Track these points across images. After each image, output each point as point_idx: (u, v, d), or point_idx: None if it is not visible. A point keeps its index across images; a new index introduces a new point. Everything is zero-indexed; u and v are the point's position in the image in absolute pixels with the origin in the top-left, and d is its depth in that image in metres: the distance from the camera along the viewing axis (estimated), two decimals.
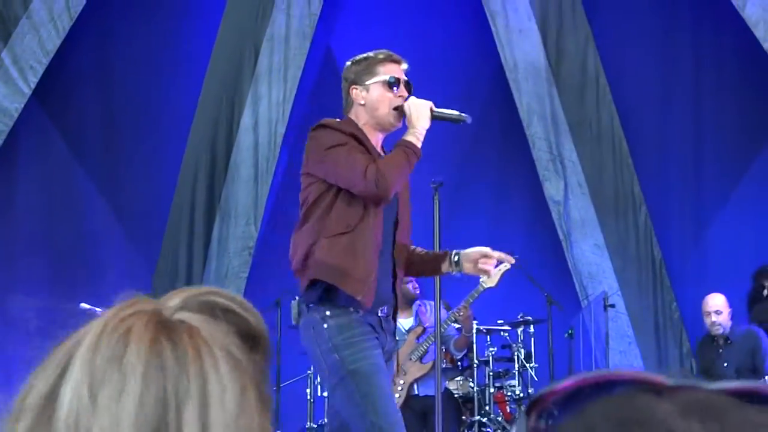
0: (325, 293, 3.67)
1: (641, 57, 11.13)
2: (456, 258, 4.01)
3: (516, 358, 8.68)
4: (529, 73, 10.79)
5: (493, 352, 8.55)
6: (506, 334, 8.71)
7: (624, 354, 10.10)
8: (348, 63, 3.99)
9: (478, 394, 8.29)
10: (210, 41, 10.47)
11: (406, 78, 3.94)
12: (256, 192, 10.45)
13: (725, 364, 7.68)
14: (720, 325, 7.92)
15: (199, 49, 10.59)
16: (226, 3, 10.44)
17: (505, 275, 9.63)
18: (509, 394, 8.63)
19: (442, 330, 7.60)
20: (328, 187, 3.71)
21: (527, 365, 8.67)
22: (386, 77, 3.85)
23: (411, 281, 8.07)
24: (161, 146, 10.72)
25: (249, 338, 0.98)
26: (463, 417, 8.23)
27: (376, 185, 3.61)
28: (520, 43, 10.83)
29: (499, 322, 8.75)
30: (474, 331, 8.21)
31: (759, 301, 8.62)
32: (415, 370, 7.70)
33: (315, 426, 8.54)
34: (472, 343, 8.31)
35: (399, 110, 3.87)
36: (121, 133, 10.78)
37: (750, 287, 8.92)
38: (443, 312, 7.99)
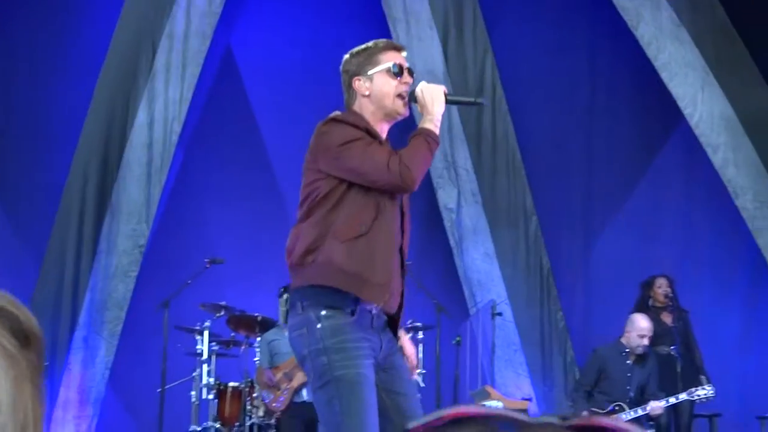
0: (325, 293, 3.53)
1: (538, 71, 11.30)
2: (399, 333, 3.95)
3: None
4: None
5: None
6: None
7: (509, 362, 10.24)
8: (346, 56, 3.89)
9: None
10: (107, 38, 10.32)
11: (407, 65, 3.84)
12: (149, 190, 10.32)
13: (629, 374, 7.85)
14: (645, 346, 8.08)
15: (95, 45, 10.43)
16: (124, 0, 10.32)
17: None
18: None
19: None
20: (338, 183, 3.61)
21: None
22: (389, 65, 3.78)
23: None
24: (53, 143, 10.53)
25: (21, 335, 1.00)
26: None
27: (401, 177, 3.53)
28: (420, 51, 10.91)
29: None
30: None
31: (644, 310, 8.82)
32: (301, 376, 7.67)
33: (199, 429, 8.46)
34: None
35: (407, 97, 3.78)
36: (11, 129, 10.57)
37: (637, 297, 9.13)
38: None
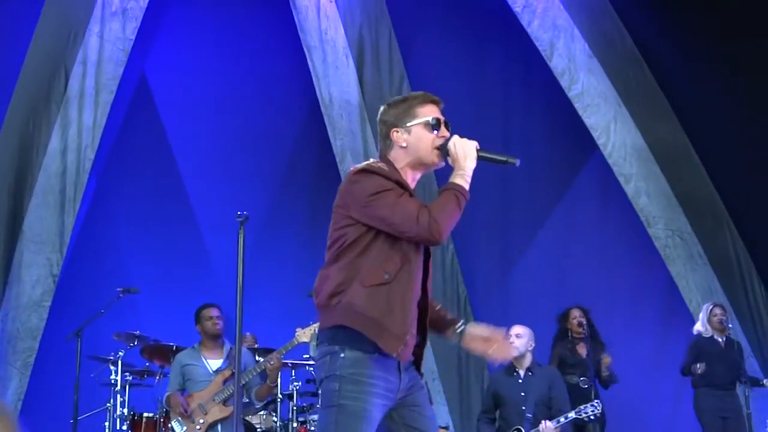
0: (351, 333, 3.56)
1: (453, 99, 11.33)
2: (460, 331, 3.96)
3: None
4: (343, 109, 10.90)
5: (298, 387, 8.50)
6: (311, 368, 8.65)
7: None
8: (384, 107, 3.91)
9: (281, 429, 8.23)
10: (19, 63, 10.16)
11: (444, 118, 3.89)
12: (62, 219, 10.15)
13: (522, 393, 7.81)
14: (516, 348, 7.94)
15: (6, 71, 10.24)
16: (36, 25, 10.16)
17: (312, 308, 9.71)
18: (312, 429, 8.61)
19: (248, 377, 7.54)
20: (367, 230, 3.64)
21: None
22: (428, 119, 3.82)
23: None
24: None
25: None
26: None
27: (430, 230, 3.57)
28: (336, 79, 10.94)
29: (305, 356, 8.71)
30: (278, 381, 8.07)
31: (563, 342, 8.90)
32: (217, 411, 7.56)
33: None
34: (276, 393, 8.20)
35: (442, 149, 3.82)
36: None
37: (557, 329, 9.18)
38: (250, 358, 7.93)
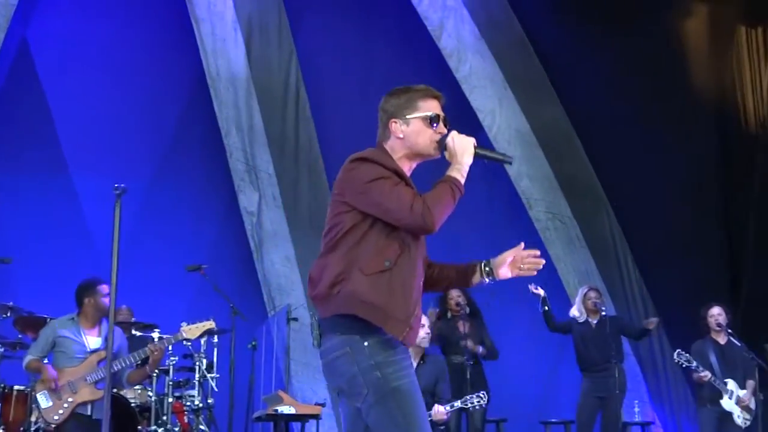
0: (357, 320, 3.56)
1: (342, 76, 11.38)
2: (488, 268, 3.96)
3: (197, 368, 8.62)
4: (230, 83, 10.80)
5: (174, 362, 8.43)
6: (189, 343, 8.55)
7: (307, 366, 10.26)
8: (386, 95, 3.89)
9: (156, 404, 8.14)
10: None
11: (444, 114, 3.89)
12: None
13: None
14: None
15: None
16: None
17: (192, 282, 9.65)
18: (188, 404, 8.55)
19: (123, 363, 7.42)
20: (363, 218, 3.64)
21: (208, 375, 8.63)
22: (428, 114, 3.83)
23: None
24: None
25: None
26: (139, 427, 8.06)
27: (424, 219, 3.59)
28: (224, 52, 10.83)
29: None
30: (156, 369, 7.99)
31: (443, 321, 9.00)
32: (87, 393, 7.38)
33: None
34: (149, 376, 8.09)
35: (440, 144, 3.82)
36: None
37: (437, 309, 9.28)
38: (124, 341, 7.81)
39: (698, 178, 11.79)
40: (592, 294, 9.32)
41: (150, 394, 8.18)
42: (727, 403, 8.63)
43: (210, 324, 7.71)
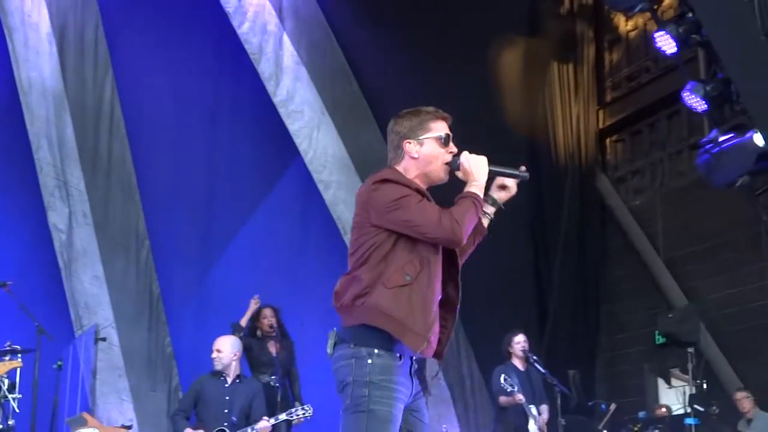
0: (375, 334, 3.71)
1: (159, 95, 11.25)
2: (491, 201, 4.14)
3: None
4: (42, 96, 10.54)
5: None
6: None
7: (113, 387, 10.06)
8: (396, 118, 4.03)
9: None
10: None
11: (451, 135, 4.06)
12: None
13: (227, 397, 7.85)
14: (219, 360, 8.00)
15: None
16: None
17: None
18: None
19: None
20: (387, 237, 3.80)
21: (9, 396, 8.34)
22: (440, 134, 4.00)
23: None
24: None
25: None
26: None
27: (453, 232, 3.77)
28: (36, 64, 10.56)
29: None
30: None
31: (253, 339, 8.97)
32: None
33: None
34: None
35: (449, 165, 3.98)
36: None
37: (247, 327, 9.25)
38: None
39: (512, 216, 12.08)
40: None
41: None
42: (533, 428, 8.90)
43: (18, 363, 7.59)
